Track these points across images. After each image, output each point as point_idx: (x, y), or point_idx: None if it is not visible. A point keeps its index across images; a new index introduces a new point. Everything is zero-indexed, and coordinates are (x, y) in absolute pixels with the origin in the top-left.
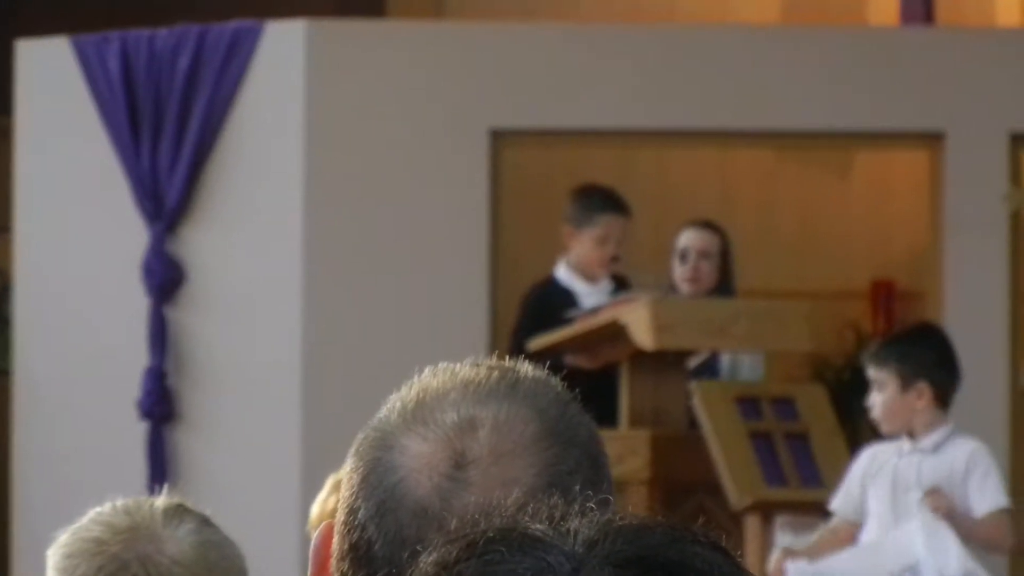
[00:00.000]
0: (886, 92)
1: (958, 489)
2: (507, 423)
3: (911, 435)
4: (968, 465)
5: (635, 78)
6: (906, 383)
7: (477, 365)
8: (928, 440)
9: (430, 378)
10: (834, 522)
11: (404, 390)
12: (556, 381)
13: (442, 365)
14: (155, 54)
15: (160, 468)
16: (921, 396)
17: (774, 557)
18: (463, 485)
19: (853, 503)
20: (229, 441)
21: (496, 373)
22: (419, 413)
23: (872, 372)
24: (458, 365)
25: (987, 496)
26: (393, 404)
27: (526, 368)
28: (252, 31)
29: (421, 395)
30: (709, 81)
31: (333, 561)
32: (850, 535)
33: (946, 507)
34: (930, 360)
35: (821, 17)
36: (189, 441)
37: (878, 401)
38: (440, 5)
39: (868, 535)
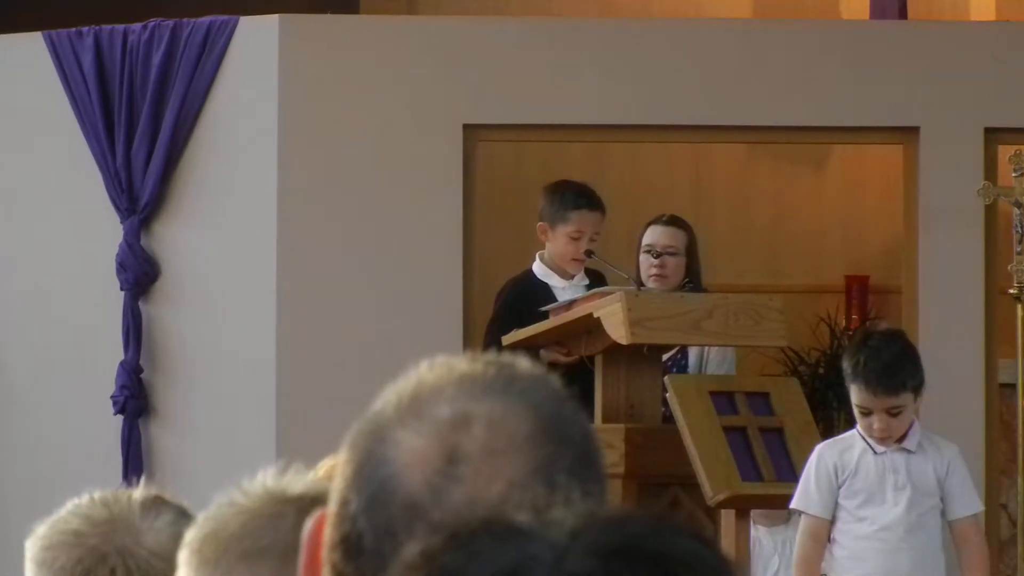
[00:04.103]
0: (859, 87)
1: (932, 487)
2: (501, 420)
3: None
4: (951, 467)
5: (608, 73)
6: (916, 396)
7: (474, 360)
8: (911, 440)
9: (426, 371)
10: (811, 526)
11: (400, 382)
12: (553, 378)
13: (439, 359)
14: (129, 49)
15: (135, 463)
16: (920, 402)
17: None
18: (455, 481)
19: (824, 501)
20: (204, 436)
21: (493, 369)
22: (414, 407)
23: (885, 401)
24: (455, 359)
25: (968, 500)
26: (388, 396)
27: (523, 364)
28: (226, 26)
29: (416, 388)
30: (682, 76)
31: (324, 551)
32: (827, 534)
33: None
34: (921, 369)
35: (794, 12)
36: (164, 436)
37: (895, 424)
38: (413, 0)
39: (842, 535)
